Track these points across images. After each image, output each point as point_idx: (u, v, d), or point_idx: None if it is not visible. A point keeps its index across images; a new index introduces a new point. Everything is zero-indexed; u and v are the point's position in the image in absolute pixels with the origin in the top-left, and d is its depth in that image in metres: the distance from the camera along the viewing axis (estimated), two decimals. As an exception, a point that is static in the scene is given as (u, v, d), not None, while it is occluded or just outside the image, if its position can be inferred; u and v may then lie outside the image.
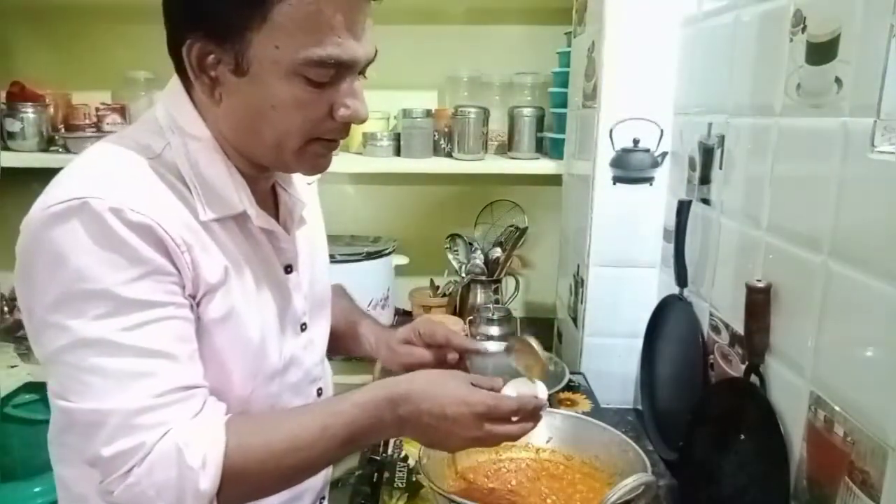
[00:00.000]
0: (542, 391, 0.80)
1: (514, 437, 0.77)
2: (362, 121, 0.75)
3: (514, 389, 0.79)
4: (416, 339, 0.98)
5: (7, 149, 1.86)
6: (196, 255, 0.71)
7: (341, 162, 1.89)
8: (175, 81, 0.77)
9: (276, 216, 0.85)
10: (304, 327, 0.88)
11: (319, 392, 0.92)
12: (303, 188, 0.90)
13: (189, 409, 0.68)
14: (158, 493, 0.64)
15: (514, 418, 0.75)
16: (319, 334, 0.92)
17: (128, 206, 0.66)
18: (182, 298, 0.71)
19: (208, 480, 0.65)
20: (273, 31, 0.67)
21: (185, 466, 0.64)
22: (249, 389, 0.79)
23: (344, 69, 0.71)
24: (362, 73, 0.76)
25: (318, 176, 0.93)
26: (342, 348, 1.05)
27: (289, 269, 0.85)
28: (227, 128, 0.75)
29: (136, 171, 0.71)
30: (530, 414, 0.76)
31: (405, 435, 0.77)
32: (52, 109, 1.96)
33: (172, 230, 0.69)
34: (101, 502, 0.70)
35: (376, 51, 0.75)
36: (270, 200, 0.85)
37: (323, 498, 1.01)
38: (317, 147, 0.76)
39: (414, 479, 1.06)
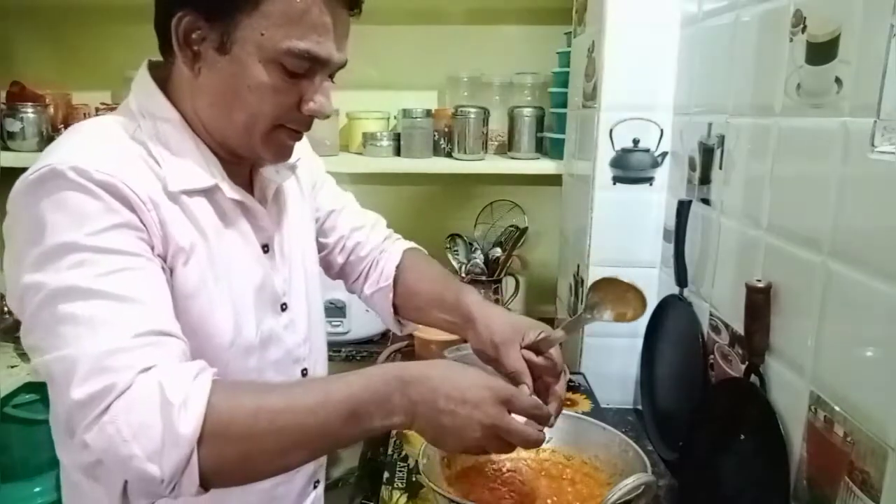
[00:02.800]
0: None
1: (524, 441, 0.73)
2: (326, 116, 0.80)
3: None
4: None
5: (7, 149, 1.87)
6: (164, 215, 0.73)
7: (341, 162, 1.89)
8: (143, 71, 0.81)
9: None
10: (284, 307, 0.89)
11: (304, 372, 0.92)
12: (285, 174, 0.91)
13: (167, 352, 0.65)
14: (134, 435, 0.59)
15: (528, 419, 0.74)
16: (301, 316, 0.92)
17: (93, 168, 0.68)
18: (152, 255, 0.71)
19: (189, 424, 0.60)
20: (261, 19, 0.72)
21: (166, 403, 0.60)
22: (225, 361, 0.79)
23: (318, 66, 0.76)
24: (331, 77, 0.80)
25: (297, 157, 0.92)
26: (425, 310, 1.02)
27: (266, 248, 0.86)
28: (202, 104, 0.78)
29: (105, 141, 0.74)
30: (543, 417, 0.75)
31: (414, 422, 0.70)
32: (52, 109, 1.96)
33: (138, 188, 0.71)
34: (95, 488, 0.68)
35: (346, 60, 0.79)
36: (247, 186, 0.87)
37: (317, 481, 1.00)
38: (282, 135, 0.80)
39: (414, 479, 1.06)
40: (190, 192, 0.77)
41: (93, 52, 1.99)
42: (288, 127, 0.79)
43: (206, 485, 0.62)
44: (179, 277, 0.75)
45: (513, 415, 0.72)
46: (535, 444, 0.74)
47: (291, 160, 0.91)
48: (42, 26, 2.03)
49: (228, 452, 0.63)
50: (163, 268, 0.73)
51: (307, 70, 0.75)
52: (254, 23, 0.72)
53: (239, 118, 0.76)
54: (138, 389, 0.61)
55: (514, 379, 0.84)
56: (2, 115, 1.87)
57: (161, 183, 0.75)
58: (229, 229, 0.81)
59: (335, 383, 0.68)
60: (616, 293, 0.81)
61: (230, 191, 0.80)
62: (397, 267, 1.06)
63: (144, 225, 0.71)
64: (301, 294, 0.93)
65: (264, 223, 0.86)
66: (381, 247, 1.09)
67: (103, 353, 0.62)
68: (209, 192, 0.79)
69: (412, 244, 1.13)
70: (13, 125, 1.86)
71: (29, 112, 1.87)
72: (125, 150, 0.74)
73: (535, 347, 0.86)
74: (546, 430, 0.94)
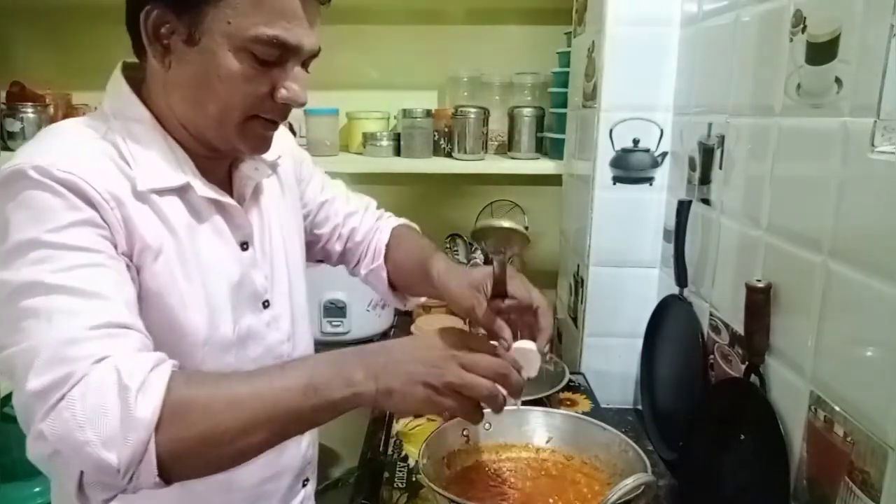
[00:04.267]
0: (535, 362, 0.78)
1: (485, 367, 0.69)
2: (301, 105, 0.79)
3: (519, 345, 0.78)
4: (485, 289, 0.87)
5: (7, 149, 1.86)
6: (128, 214, 0.73)
7: (341, 162, 1.89)
8: (117, 72, 0.82)
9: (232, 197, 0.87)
10: (266, 304, 0.89)
11: None
12: (265, 171, 0.91)
13: (125, 343, 0.65)
14: (90, 420, 0.59)
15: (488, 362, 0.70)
16: (285, 313, 0.92)
17: (54, 167, 0.68)
18: (115, 253, 0.71)
19: (146, 408, 0.59)
20: (228, 8, 0.72)
21: (123, 387, 0.60)
22: (200, 358, 0.79)
23: (288, 52, 0.75)
24: (306, 66, 0.80)
25: (277, 155, 0.93)
26: (411, 286, 1.06)
27: (244, 245, 0.86)
28: (175, 99, 0.78)
29: (71, 141, 0.75)
30: (507, 366, 0.71)
31: (378, 381, 0.67)
32: (52, 109, 1.95)
33: (99, 186, 0.70)
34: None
35: (320, 48, 0.79)
36: (226, 184, 0.87)
37: (307, 479, 1.00)
38: (257, 125, 0.79)
39: (414, 479, 1.06)
40: (160, 191, 0.77)
41: (93, 52, 1.98)
42: (263, 117, 0.79)
43: (165, 475, 0.61)
44: (148, 275, 0.75)
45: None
46: (493, 373, 0.69)
47: (271, 157, 0.92)
48: (42, 26, 2.03)
49: (187, 434, 0.62)
50: (128, 266, 0.73)
51: (278, 57, 0.75)
52: (220, 12, 0.72)
53: (212, 109, 0.76)
54: (95, 376, 0.60)
55: (494, 336, 0.83)
56: (2, 115, 1.87)
57: (130, 182, 0.74)
58: (203, 227, 0.81)
59: (294, 361, 0.70)
60: (501, 235, 0.81)
61: (203, 189, 0.80)
62: (387, 245, 1.08)
63: (106, 223, 0.71)
64: (284, 291, 0.92)
65: (240, 221, 0.85)
66: (375, 226, 1.10)
67: (60, 343, 0.62)
68: (182, 191, 0.79)
69: (403, 220, 1.14)
70: (13, 125, 1.86)
71: (29, 112, 1.87)
72: (91, 149, 0.74)
73: (497, 293, 0.84)
74: (546, 430, 0.95)
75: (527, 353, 0.80)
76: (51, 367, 0.61)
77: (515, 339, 0.82)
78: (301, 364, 0.69)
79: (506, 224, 0.78)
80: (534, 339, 0.83)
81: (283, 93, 0.77)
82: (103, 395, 0.60)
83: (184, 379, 0.64)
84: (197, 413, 0.62)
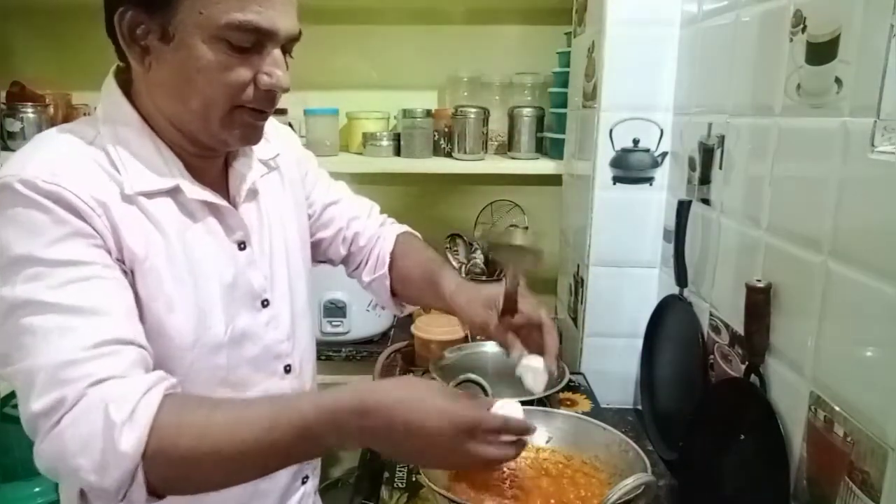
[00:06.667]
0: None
1: (493, 461, 0.70)
2: (284, 89, 0.77)
3: (503, 409, 0.73)
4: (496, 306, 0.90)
5: (7, 149, 1.86)
6: (116, 218, 0.73)
7: (341, 162, 1.89)
8: (109, 77, 0.81)
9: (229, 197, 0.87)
10: (265, 303, 0.88)
11: (287, 368, 0.92)
12: (260, 170, 0.91)
13: (121, 362, 0.66)
14: (82, 449, 0.62)
15: (501, 437, 0.69)
16: (285, 312, 0.92)
17: (39, 178, 0.69)
18: (109, 260, 0.72)
19: (130, 442, 0.61)
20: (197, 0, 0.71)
21: (108, 422, 0.62)
22: (189, 360, 0.79)
23: (264, 37, 0.74)
24: (288, 51, 0.79)
25: (275, 153, 0.94)
26: (418, 298, 1.07)
27: (242, 245, 0.86)
28: (159, 98, 0.78)
29: (58, 151, 0.75)
30: (516, 433, 0.70)
31: (370, 447, 0.69)
32: (52, 109, 1.95)
33: (83, 195, 0.71)
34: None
35: (300, 31, 0.77)
36: (223, 182, 0.87)
37: (306, 477, 0.99)
38: (243, 115, 0.78)
39: (414, 479, 1.06)
40: (149, 194, 0.77)
41: (93, 52, 1.96)
42: (248, 107, 0.77)
43: (156, 494, 0.65)
44: (138, 279, 0.75)
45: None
46: (499, 460, 0.70)
47: (268, 155, 0.92)
48: (42, 26, 2.03)
49: (171, 473, 0.65)
50: (123, 271, 0.73)
51: (255, 43, 0.74)
52: (190, 4, 0.71)
53: (195, 104, 0.75)
54: (85, 404, 0.63)
55: (506, 349, 0.90)
56: (2, 115, 1.87)
57: (118, 187, 0.74)
58: (196, 228, 0.81)
59: (287, 410, 0.66)
60: (514, 251, 0.88)
61: (192, 191, 0.80)
62: (391, 254, 1.08)
63: (96, 231, 0.71)
64: (284, 290, 0.92)
65: (233, 221, 0.85)
66: (378, 233, 1.10)
67: (57, 365, 0.64)
68: (173, 193, 0.79)
69: (406, 228, 1.14)
70: (13, 125, 1.86)
71: (29, 112, 1.87)
72: (76, 157, 0.74)
73: (508, 309, 0.89)
74: (546, 430, 0.95)
75: (534, 370, 0.86)
76: (48, 390, 0.64)
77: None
78: (301, 414, 0.65)
79: (521, 242, 0.85)
80: (541, 355, 0.88)
81: (264, 79, 0.75)
82: (90, 426, 0.62)
83: (176, 404, 0.66)
84: (180, 456, 0.64)
